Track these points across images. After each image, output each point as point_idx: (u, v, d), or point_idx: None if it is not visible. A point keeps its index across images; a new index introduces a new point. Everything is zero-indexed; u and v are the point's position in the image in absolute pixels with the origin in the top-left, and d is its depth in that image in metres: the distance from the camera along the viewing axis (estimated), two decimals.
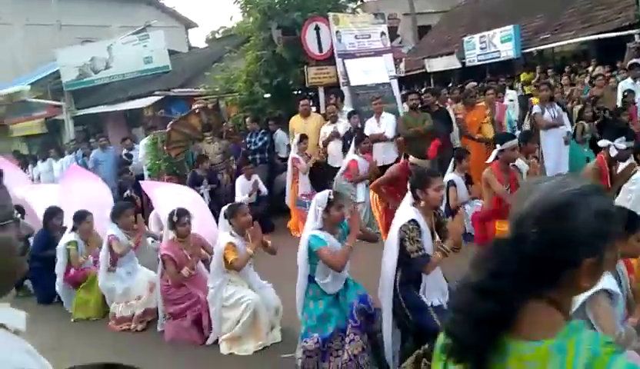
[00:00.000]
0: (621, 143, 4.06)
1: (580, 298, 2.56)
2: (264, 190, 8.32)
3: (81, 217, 5.76)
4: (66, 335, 5.31)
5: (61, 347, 4.75)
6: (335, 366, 3.56)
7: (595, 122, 8.05)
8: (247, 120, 9.31)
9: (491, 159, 4.97)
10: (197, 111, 9.38)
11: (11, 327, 0.99)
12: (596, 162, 4.17)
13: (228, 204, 4.70)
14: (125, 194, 8.76)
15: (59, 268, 5.77)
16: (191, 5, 69.17)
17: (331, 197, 3.64)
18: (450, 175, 6.43)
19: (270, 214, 8.21)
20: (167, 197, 6.36)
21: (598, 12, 13.12)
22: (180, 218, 4.79)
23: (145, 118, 13.14)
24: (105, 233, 5.49)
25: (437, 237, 3.44)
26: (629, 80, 8.76)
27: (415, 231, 3.24)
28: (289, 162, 7.91)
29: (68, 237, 5.79)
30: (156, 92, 13.49)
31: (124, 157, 10.40)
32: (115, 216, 5.44)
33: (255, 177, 8.26)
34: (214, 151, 8.86)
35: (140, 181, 7.48)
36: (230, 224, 4.47)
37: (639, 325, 2.52)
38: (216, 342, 4.48)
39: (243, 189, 8.13)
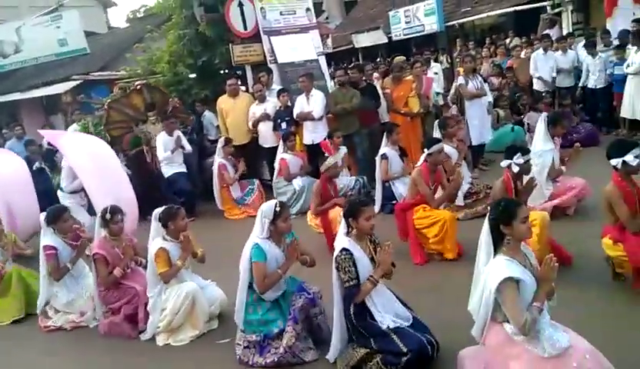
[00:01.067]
0: (518, 159, 4.38)
1: (491, 286, 2.70)
2: (188, 148, 8.05)
3: None
4: None
5: None
6: (272, 360, 3.58)
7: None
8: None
9: (419, 163, 5.24)
10: (139, 87, 8.49)
11: None
12: (502, 180, 4.46)
13: (164, 208, 4.40)
14: (35, 166, 7.91)
15: None
16: None
17: (278, 209, 3.68)
18: (384, 149, 6.54)
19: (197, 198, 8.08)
20: (74, 146, 6.28)
21: None
22: (113, 216, 4.58)
23: (64, 104, 12.43)
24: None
25: (377, 261, 3.42)
26: (540, 51, 9.15)
27: (347, 261, 3.28)
28: (215, 167, 7.72)
29: None
30: (74, 77, 12.81)
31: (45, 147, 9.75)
32: (50, 222, 4.88)
33: (178, 133, 7.97)
34: (159, 132, 8.14)
35: (42, 131, 6.88)
36: (165, 227, 4.31)
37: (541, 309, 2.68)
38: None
39: (165, 146, 7.85)
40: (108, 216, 4.57)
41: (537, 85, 9.23)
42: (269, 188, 7.73)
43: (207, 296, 4.40)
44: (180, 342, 4.23)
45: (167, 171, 7.92)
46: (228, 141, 7.82)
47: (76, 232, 4.99)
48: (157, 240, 4.31)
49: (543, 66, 9.04)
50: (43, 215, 4.95)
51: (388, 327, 3.26)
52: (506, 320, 2.74)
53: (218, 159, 7.75)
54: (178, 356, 4.08)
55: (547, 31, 10.58)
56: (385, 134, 6.63)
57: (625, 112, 7.92)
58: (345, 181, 6.77)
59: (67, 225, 4.91)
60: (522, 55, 10.04)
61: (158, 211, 4.39)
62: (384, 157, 6.51)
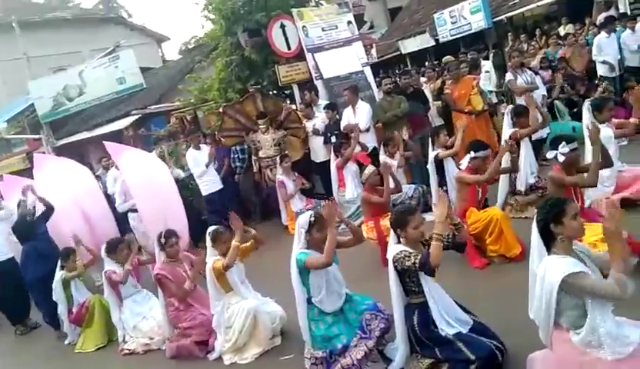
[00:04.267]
0: (564, 148, 4.19)
1: (551, 288, 2.56)
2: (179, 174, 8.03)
3: (67, 255, 5.69)
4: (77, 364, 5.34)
5: None
6: None
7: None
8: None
9: (463, 166, 5.19)
10: (252, 93, 8.35)
11: None
12: (551, 175, 4.35)
13: (216, 228, 4.60)
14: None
15: (61, 309, 5.72)
16: (163, 19, 68.96)
17: (312, 219, 3.75)
18: (433, 153, 6.39)
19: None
20: (133, 166, 6.53)
21: None
22: (168, 240, 4.83)
23: (125, 138, 13.06)
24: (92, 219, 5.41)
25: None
26: (603, 34, 8.70)
27: (407, 253, 3.23)
28: (277, 184, 7.71)
29: (59, 274, 5.66)
30: (133, 112, 13.41)
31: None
32: (110, 251, 5.34)
33: (205, 147, 8.09)
34: (268, 142, 8.06)
35: (106, 143, 7.07)
36: (213, 245, 4.49)
37: None
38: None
39: (196, 161, 7.95)
40: (163, 240, 4.80)
41: (602, 70, 8.74)
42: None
43: (269, 313, 4.46)
44: (245, 360, 4.32)
45: (204, 188, 7.98)
46: (284, 156, 7.80)
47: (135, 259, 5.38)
48: (211, 258, 4.46)
49: (608, 49, 8.58)
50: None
51: (453, 334, 3.17)
52: (573, 328, 2.60)
53: (278, 175, 7.76)
54: None
55: (604, 14, 10.08)
56: (430, 138, 6.43)
57: None
58: (404, 189, 6.69)
59: (123, 255, 5.30)
60: (579, 41, 9.60)
61: (209, 231, 4.55)
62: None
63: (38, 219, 6.33)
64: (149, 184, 6.45)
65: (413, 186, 6.80)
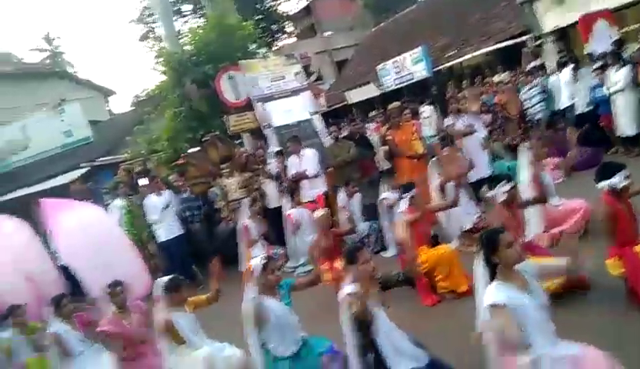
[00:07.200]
0: (504, 186, 4.47)
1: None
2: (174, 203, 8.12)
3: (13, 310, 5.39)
4: None
5: None
6: None
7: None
8: (171, 177, 9.07)
9: (402, 209, 5.36)
10: (213, 140, 8.41)
11: None
12: (493, 211, 4.62)
13: (170, 278, 4.42)
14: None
15: None
16: (110, 73, 68.48)
17: (264, 261, 3.78)
18: (384, 195, 6.61)
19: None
20: (68, 223, 6.08)
21: (494, 24, 14.10)
22: (114, 289, 4.67)
23: (72, 193, 12.70)
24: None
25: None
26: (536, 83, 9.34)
27: (351, 298, 3.28)
28: (239, 229, 7.45)
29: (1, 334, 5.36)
30: (81, 164, 13.14)
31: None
32: (56, 310, 5.02)
33: (165, 193, 8.10)
34: (234, 185, 8.09)
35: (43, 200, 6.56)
36: (169, 297, 4.29)
37: None
38: None
39: (155, 208, 7.96)
40: (108, 290, 4.66)
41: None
42: None
43: (225, 359, 4.34)
44: None
45: (160, 234, 7.98)
46: (254, 200, 7.72)
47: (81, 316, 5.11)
48: (163, 311, 4.29)
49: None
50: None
51: None
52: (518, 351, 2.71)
53: (243, 220, 7.48)
54: None
55: (532, 64, 10.85)
56: (379, 181, 6.68)
57: (621, 130, 7.94)
58: (361, 227, 6.86)
59: (69, 310, 5.01)
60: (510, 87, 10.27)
61: (163, 280, 4.42)
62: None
63: None
64: (86, 240, 6.08)
65: (368, 223, 6.98)
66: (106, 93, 24.94)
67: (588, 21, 9.65)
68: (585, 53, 9.54)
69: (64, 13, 65.63)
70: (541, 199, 5.09)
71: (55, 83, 21.53)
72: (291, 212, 7.43)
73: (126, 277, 4.99)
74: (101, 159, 13.43)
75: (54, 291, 5.79)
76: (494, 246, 2.83)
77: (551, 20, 11.71)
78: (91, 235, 6.19)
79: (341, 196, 7.21)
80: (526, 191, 5.13)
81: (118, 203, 8.47)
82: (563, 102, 8.99)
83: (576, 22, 10.20)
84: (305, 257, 7.00)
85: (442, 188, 6.00)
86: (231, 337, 4.61)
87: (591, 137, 8.54)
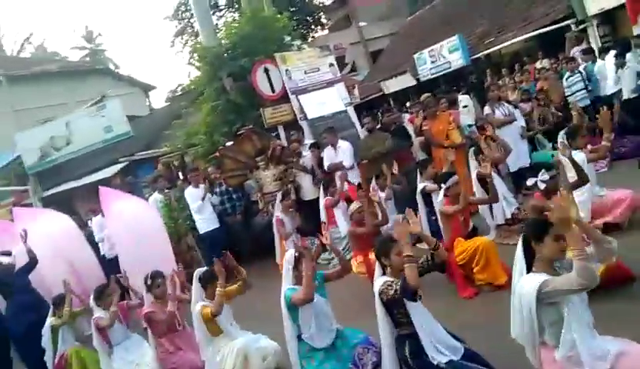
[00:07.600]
0: (543, 175, 4.37)
1: (529, 304, 2.62)
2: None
3: (59, 302, 5.51)
4: None
5: None
6: None
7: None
8: (209, 169, 9.23)
9: (439, 199, 5.33)
10: (248, 133, 8.39)
11: None
12: (533, 202, 4.48)
13: (204, 270, 4.58)
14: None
15: (48, 355, 5.47)
16: (149, 69, 69.98)
17: (297, 254, 3.82)
18: (421, 185, 6.50)
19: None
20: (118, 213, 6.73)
21: (535, 9, 13.64)
22: (154, 281, 4.82)
23: (113, 186, 13.06)
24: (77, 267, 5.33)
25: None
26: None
27: (389, 283, 3.27)
28: (274, 221, 7.45)
29: (49, 321, 5.49)
30: (120, 159, 13.47)
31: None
32: (98, 299, 5.21)
33: (202, 185, 8.30)
34: (269, 178, 8.14)
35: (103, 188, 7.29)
36: (204, 288, 4.42)
37: None
38: None
39: (194, 198, 8.19)
40: (149, 282, 4.82)
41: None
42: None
43: (259, 350, 4.38)
44: None
45: (201, 226, 8.21)
46: (285, 194, 7.65)
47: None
48: (199, 303, 4.40)
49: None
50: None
51: (445, 362, 3.16)
52: (557, 345, 2.61)
53: (276, 213, 7.53)
54: None
55: (576, 48, 10.46)
56: (418, 170, 6.58)
57: None
58: (395, 219, 6.74)
59: (110, 300, 5.14)
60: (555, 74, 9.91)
61: (199, 271, 4.51)
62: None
63: (20, 272, 6.23)
64: (132, 231, 6.52)
65: (401, 216, 6.86)
66: (146, 88, 25.54)
67: (637, 1, 9.22)
68: (635, 34, 9.10)
69: (102, 11, 67.32)
70: (582, 181, 4.82)
71: (97, 80, 22.22)
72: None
73: (165, 270, 5.13)
74: (139, 153, 13.73)
75: (95, 282, 5.99)
76: (541, 233, 2.70)
77: (596, 2, 11.23)
78: (137, 226, 6.59)
79: (375, 188, 7.13)
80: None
81: (157, 196, 8.67)
82: (610, 87, 8.63)
83: (623, 4, 9.76)
84: (342, 247, 6.96)
85: (481, 180, 5.83)
86: (267, 328, 4.65)
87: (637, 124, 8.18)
